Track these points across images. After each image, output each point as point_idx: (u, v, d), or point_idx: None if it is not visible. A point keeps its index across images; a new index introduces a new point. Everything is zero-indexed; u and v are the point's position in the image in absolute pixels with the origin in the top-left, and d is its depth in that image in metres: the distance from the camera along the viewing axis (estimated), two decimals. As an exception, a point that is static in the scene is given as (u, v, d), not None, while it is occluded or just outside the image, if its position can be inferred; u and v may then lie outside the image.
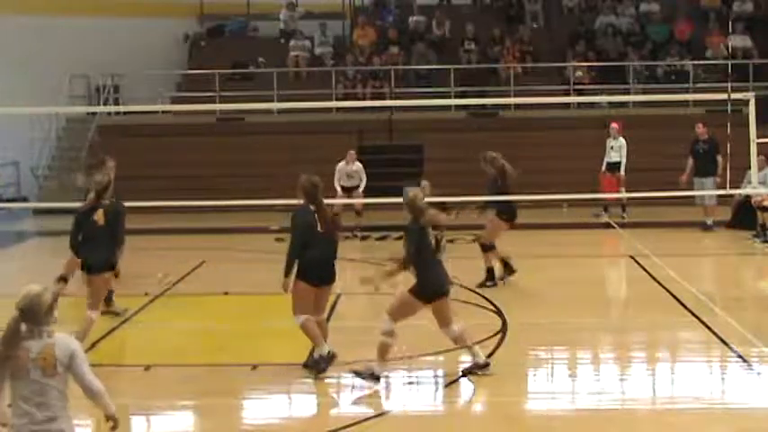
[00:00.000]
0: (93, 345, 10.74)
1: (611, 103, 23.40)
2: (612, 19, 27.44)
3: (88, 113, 24.82)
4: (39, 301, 5.59)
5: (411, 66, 26.18)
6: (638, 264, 16.03)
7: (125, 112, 24.42)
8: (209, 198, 18.17)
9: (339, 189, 19.23)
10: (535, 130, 23.57)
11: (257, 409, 9.66)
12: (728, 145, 15.33)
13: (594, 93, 23.69)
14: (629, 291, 15.42)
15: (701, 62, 25.38)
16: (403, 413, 9.28)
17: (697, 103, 22.63)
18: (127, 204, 14.06)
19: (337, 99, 24.64)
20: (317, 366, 9.90)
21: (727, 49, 24.61)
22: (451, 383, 9.98)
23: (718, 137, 17.85)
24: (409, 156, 23.66)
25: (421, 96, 23.51)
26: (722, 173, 17.93)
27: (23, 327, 5.58)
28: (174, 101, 24.91)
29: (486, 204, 15.18)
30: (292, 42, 27.02)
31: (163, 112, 23.40)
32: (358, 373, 9.63)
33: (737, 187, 17.18)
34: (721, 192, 17.96)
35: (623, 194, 20.00)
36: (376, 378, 9.61)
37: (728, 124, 14.94)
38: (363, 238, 19.25)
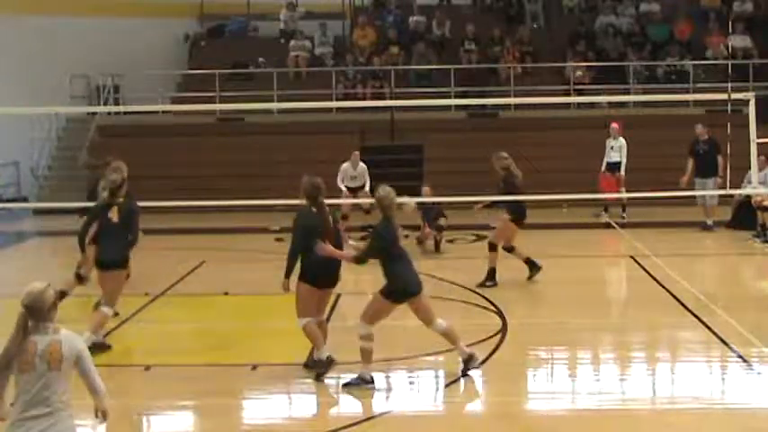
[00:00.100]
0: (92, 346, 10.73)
1: (611, 103, 23.40)
2: (612, 19, 27.45)
3: (88, 113, 24.82)
4: (42, 297, 5.74)
5: (411, 66, 26.18)
6: (638, 264, 16.04)
7: (125, 112, 24.43)
8: (210, 198, 18.17)
9: (344, 189, 19.17)
10: (535, 130, 23.57)
11: (257, 409, 9.66)
12: (729, 145, 15.33)
13: (594, 93, 23.69)
14: (630, 291, 15.43)
15: (701, 62, 25.38)
16: (403, 413, 9.28)
17: (697, 103, 22.64)
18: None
19: (337, 99, 24.64)
20: (318, 369, 9.90)
21: (727, 49, 24.61)
22: (451, 383, 9.98)
23: (719, 137, 17.86)
24: (409, 156, 23.67)
25: (421, 96, 23.50)
26: (722, 173, 17.95)
27: (30, 324, 5.73)
28: (174, 101, 24.90)
29: (494, 204, 15.19)
30: (292, 42, 27.02)
31: (163, 112, 23.39)
32: (350, 385, 9.63)
33: (738, 187, 17.18)
34: (722, 192, 17.97)
35: (623, 194, 19.99)
36: (369, 381, 9.62)
37: (728, 124, 14.93)
38: (363, 238, 19.21)
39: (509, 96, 24.11)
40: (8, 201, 23.75)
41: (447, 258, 16.90)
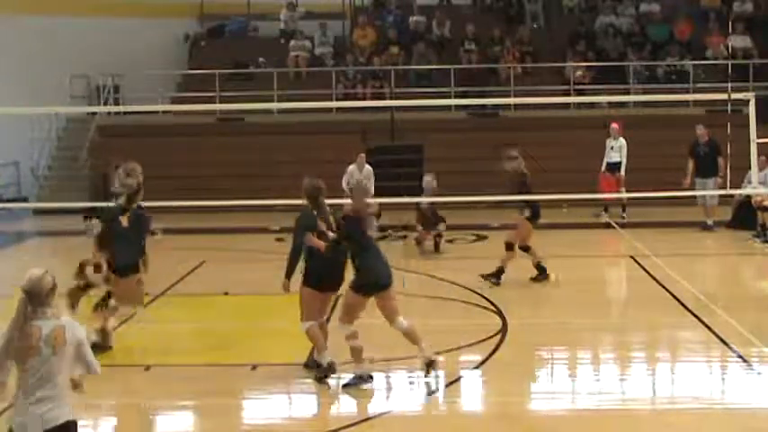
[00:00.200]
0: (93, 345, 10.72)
1: (611, 103, 23.40)
2: (612, 19, 27.45)
3: (88, 113, 24.84)
4: (40, 283, 6.01)
5: (411, 66, 26.18)
6: (638, 264, 16.04)
7: (125, 112, 24.44)
8: (209, 198, 18.16)
9: (348, 191, 19.09)
10: (535, 130, 23.56)
11: (257, 409, 9.66)
12: (729, 145, 15.33)
13: (594, 93, 23.68)
14: (630, 291, 15.43)
15: (701, 62, 25.38)
16: (403, 413, 9.28)
17: (697, 103, 22.65)
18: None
19: (337, 99, 24.64)
20: (318, 372, 9.88)
21: (727, 49, 24.61)
22: (451, 383, 9.98)
23: (719, 137, 17.85)
24: (409, 156, 23.66)
25: (421, 96, 23.50)
26: (723, 173, 17.94)
27: (29, 309, 5.96)
28: (174, 101, 24.90)
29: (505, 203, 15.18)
30: (292, 42, 27.02)
31: (163, 112, 23.40)
32: (349, 385, 9.64)
33: (738, 187, 17.18)
34: (722, 192, 17.97)
35: (623, 194, 19.99)
36: (367, 378, 9.62)
37: (728, 124, 14.93)
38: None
39: (509, 96, 24.11)
40: (8, 201, 23.76)
41: (447, 258, 16.90)
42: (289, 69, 26.35)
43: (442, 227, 17.29)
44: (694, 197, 19.37)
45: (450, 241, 17.96)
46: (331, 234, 9.82)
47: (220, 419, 9.21)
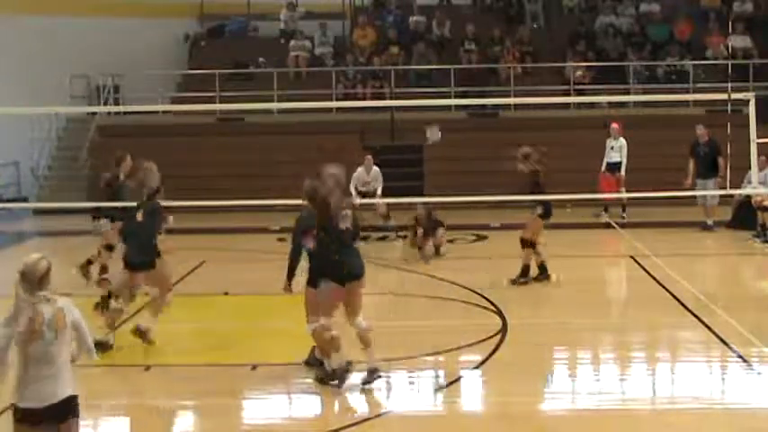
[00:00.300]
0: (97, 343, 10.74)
1: (611, 103, 23.40)
2: (612, 19, 27.45)
3: (88, 113, 24.84)
4: (34, 268, 6.31)
5: (411, 66, 26.18)
6: (638, 264, 16.04)
7: (125, 112, 24.43)
8: (209, 198, 18.16)
9: (354, 193, 19.03)
10: (535, 130, 23.51)
11: (257, 409, 9.65)
12: (729, 145, 15.32)
13: (594, 93, 23.68)
14: (630, 291, 15.42)
15: (701, 62, 25.38)
16: (403, 413, 9.28)
17: (697, 103, 22.65)
18: (126, 204, 14.15)
19: (337, 99, 24.64)
20: (319, 373, 9.86)
21: (727, 49, 24.61)
22: (451, 383, 9.98)
23: (719, 137, 17.85)
24: (409, 156, 23.66)
25: (421, 96, 23.50)
26: (723, 173, 17.94)
27: (24, 290, 6.27)
28: (174, 101, 24.89)
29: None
30: (292, 42, 27.02)
31: (163, 112, 23.40)
32: (368, 382, 9.61)
33: (738, 187, 17.17)
34: (722, 192, 17.96)
35: (623, 194, 19.99)
36: (346, 370, 9.60)
37: (728, 124, 14.93)
38: (363, 238, 19.21)
39: (509, 96, 24.11)
40: (8, 201, 23.75)
41: (447, 258, 16.88)
42: (289, 69, 26.36)
43: (440, 232, 17.09)
44: (694, 197, 19.37)
45: (450, 241, 17.94)
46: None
47: (220, 419, 9.21)
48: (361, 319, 9.68)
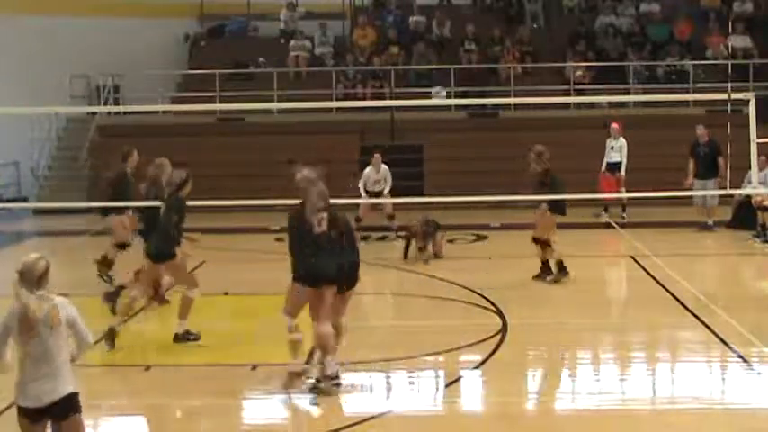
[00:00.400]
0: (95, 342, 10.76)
1: (611, 103, 23.39)
2: (612, 19, 27.45)
3: (88, 113, 24.83)
4: (33, 267, 6.45)
5: (411, 66, 26.18)
6: (638, 264, 16.04)
7: (125, 112, 24.43)
8: (209, 198, 18.13)
9: (363, 193, 18.99)
10: (535, 130, 23.49)
11: (257, 409, 9.66)
12: (729, 145, 15.32)
13: (594, 93, 23.68)
14: (630, 291, 15.42)
15: (701, 62, 25.38)
16: (403, 413, 9.28)
17: (697, 103, 22.64)
18: (127, 204, 14.21)
19: (337, 99, 24.63)
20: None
21: (728, 49, 24.60)
22: (451, 383, 9.98)
23: (719, 137, 17.84)
24: (409, 156, 23.66)
25: (421, 96, 23.49)
26: (723, 174, 17.93)
27: (23, 289, 6.38)
28: (174, 101, 24.89)
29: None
30: (292, 42, 27.02)
31: (163, 112, 23.39)
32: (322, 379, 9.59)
33: (738, 187, 17.17)
34: (722, 192, 17.95)
35: (623, 194, 19.98)
36: (299, 375, 9.60)
37: (728, 124, 14.93)
38: (364, 239, 19.21)
39: (509, 96, 24.10)
40: (8, 201, 23.75)
41: (447, 258, 16.87)
42: (289, 69, 26.36)
43: (439, 236, 16.99)
44: (693, 198, 19.35)
45: (450, 241, 17.94)
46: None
47: (220, 419, 9.21)
48: (324, 327, 9.45)
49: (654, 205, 19.45)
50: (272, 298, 11.23)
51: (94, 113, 24.57)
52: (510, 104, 24.25)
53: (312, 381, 9.60)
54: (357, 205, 18.29)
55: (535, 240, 14.51)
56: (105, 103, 25.19)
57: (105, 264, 14.71)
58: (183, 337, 11.40)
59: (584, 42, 26.33)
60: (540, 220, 14.52)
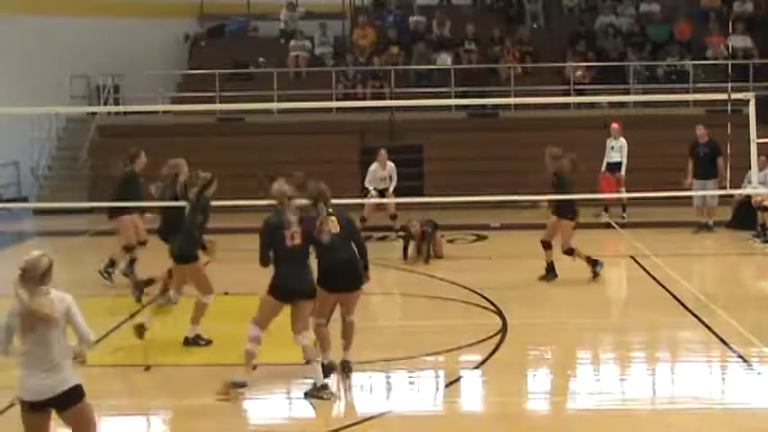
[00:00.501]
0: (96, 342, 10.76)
1: (611, 103, 23.39)
2: (612, 19, 27.44)
3: (88, 113, 24.82)
4: (36, 264, 6.57)
5: (411, 66, 26.17)
6: (638, 264, 16.04)
7: (125, 112, 24.42)
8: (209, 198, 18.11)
9: (372, 191, 18.95)
10: (535, 130, 23.53)
11: (257, 409, 9.65)
12: (729, 145, 15.33)
13: (594, 93, 23.67)
14: (630, 291, 15.42)
15: (701, 62, 25.37)
16: (403, 413, 9.28)
17: (697, 103, 22.64)
18: (127, 205, 14.23)
19: (337, 99, 24.62)
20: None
21: (728, 49, 24.60)
22: (451, 383, 9.98)
23: (719, 137, 17.84)
24: (409, 156, 23.65)
25: (421, 96, 23.49)
26: (723, 174, 17.92)
27: (23, 288, 6.49)
28: (174, 101, 24.89)
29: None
30: (292, 42, 27.02)
31: (163, 112, 23.38)
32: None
33: (738, 187, 17.17)
34: (722, 192, 17.95)
35: (623, 194, 19.98)
36: (241, 385, 9.63)
37: (728, 124, 14.94)
38: (366, 239, 19.16)
39: (509, 96, 24.07)
40: (8, 201, 23.75)
41: (447, 258, 16.86)
42: (289, 69, 26.35)
43: (438, 236, 16.98)
44: (693, 198, 19.34)
45: (450, 241, 17.95)
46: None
47: (220, 419, 9.21)
48: (303, 337, 9.65)
49: (654, 205, 19.45)
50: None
51: (94, 113, 24.56)
52: (510, 104, 24.23)
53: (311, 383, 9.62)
54: (362, 205, 18.30)
55: (566, 252, 14.54)
56: (105, 103, 25.18)
57: (130, 265, 14.73)
58: (194, 342, 11.42)
59: (584, 42, 26.32)
60: (555, 228, 14.52)
